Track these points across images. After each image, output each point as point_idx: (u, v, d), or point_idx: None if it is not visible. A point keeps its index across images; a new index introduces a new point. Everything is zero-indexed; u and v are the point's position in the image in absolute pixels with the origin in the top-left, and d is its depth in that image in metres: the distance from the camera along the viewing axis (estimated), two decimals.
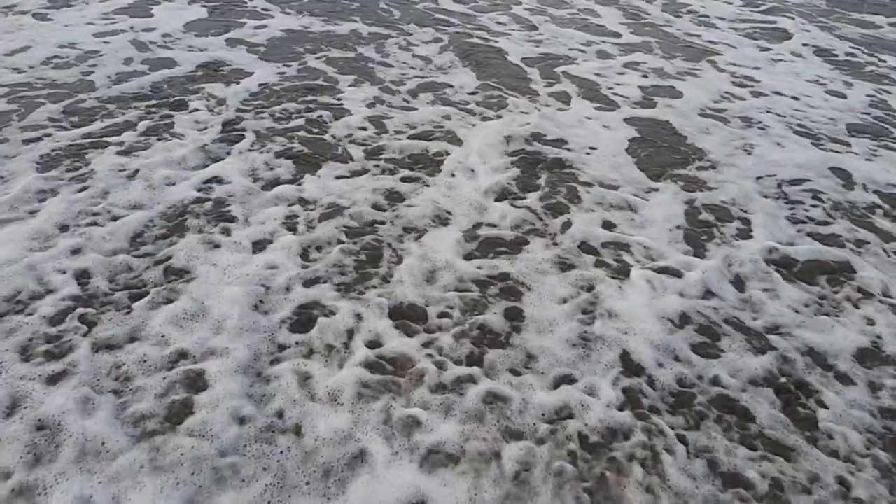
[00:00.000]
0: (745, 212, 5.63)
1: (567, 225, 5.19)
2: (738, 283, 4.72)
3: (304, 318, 4.01)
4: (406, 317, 4.12)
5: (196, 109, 6.44)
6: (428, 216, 5.16)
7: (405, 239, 4.85)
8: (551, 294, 4.40)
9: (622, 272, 4.68)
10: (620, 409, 3.62)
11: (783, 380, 3.94)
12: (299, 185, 5.37)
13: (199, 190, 5.11)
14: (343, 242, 4.73)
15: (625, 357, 3.95)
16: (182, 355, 3.66)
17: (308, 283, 4.29)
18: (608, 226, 5.23)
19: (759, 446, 3.52)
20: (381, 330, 3.97)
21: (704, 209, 5.62)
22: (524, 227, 5.10)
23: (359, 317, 4.04)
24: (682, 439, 3.50)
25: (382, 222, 5.03)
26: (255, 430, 3.31)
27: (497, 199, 5.44)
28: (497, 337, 4.02)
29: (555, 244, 4.93)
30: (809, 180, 6.28)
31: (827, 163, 6.66)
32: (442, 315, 4.14)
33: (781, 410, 3.74)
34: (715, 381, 3.87)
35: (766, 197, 5.91)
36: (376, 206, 5.22)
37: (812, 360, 4.11)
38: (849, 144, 7.20)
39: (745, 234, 5.31)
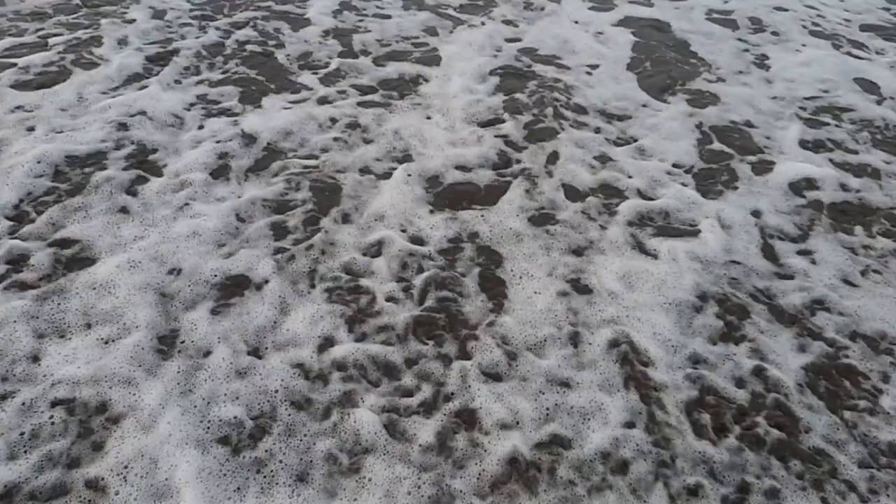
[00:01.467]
0: (766, 139, 4.52)
1: (553, 160, 4.10)
2: (762, 239, 3.64)
3: (222, 302, 2.99)
4: (349, 300, 3.10)
5: (131, 20, 5.23)
6: (391, 155, 4.06)
7: (360, 186, 3.77)
8: (530, 263, 3.35)
9: (618, 230, 3.61)
10: (627, 425, 2.66)
11: (830, 373, 2.97)
12: (239, 117, 4.25)
13: (118, 128, 3.99)
14: (284, 193, 3.66)
15: (626, 352, 2.94)
16: (63, 384, 2.64)
17: (232, 253, 3.24)
18: (603, 163, 4.13)
19: (817, 477, 2.58)
20: (316, 322, 2.96)
21: (717, 136, 4.51)
22: (504, 169, 4.01)
23: (285, 304, 3.02)
24: (713, 474, 2.54)
25: (335, 164, 3.93)
26: None
27: (474, 131, 4.32)
28: (464, 328, 3.01)
29: (538, 190, 3.84)
30: (833, 95, 5.15)
31: (850, 74, 5.50)
32: (392, 298, 3.12)
33: (836, 420, 2.78)
34: (742, 382, 2.88)
35: (785, 118, 4.79)
36: (329, 143, 4.11)
37: (866, 344, 3.11)
38: (871, 49, 6.01)
39: (765, 167, 4.22)
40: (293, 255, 3.27)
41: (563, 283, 3.24)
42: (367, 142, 4.15)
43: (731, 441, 2.64)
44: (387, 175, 3.87)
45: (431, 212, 3.62)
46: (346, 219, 3.53)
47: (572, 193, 3.85)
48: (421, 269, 3.26)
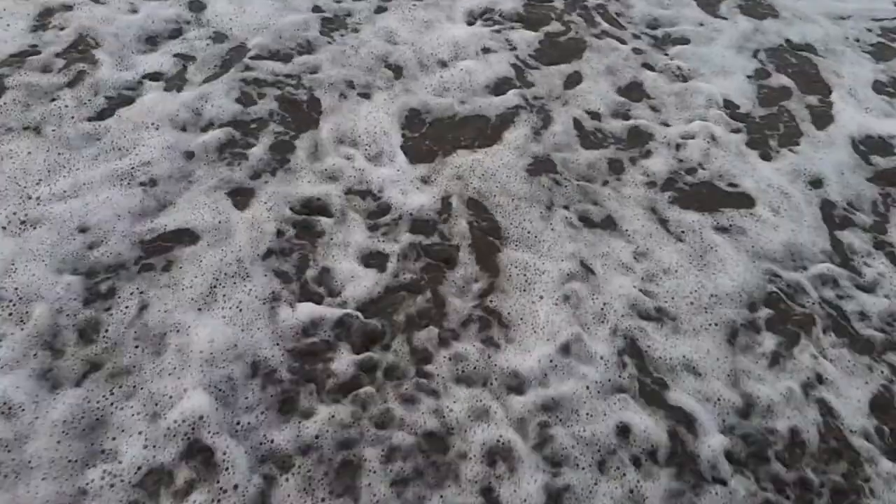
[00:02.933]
0: (831, 73, 3.64)
1: (573, 84, 3.31)
2: (826, 220, 2.87)
3: (146, 270, 2.33)
4: (310, 264, 2.44)
5: None
6: (381, 62, 3.27)
7: (341, 105, 3.02)
8: (528, 236, 2.63)
9: (641, 196, 2.86)
10: (644, 468, 2.07)
11: None
12: (201, 5, 3.41)
13: (42, 28, 3.16)
14: (249, 110, 2.92)
15: (647, 370, 2.31)
16: None
17: (169, 204, 2.55)
18: (635, 97, 3.32)
19: None
20: (264, 297, 2.31)
21: (774, 65, 3.65)
22: (512, 95, 3.20)
23: (229, 272, 2.35)
24: None
25: (313, 69, 3.16)
26: None
27: (483, 41, 3.47)
28: (441, 317, 2.36)
29: (549, 130, 3.06)
30: None
31: None
32: (361, 264, 2.45)
33: None
34: (797, 418, 2.26)
35: (855, 45, 3.90)
36: (311, 43, 3.31)
37: None
38: None
39: (829, 115, 3.39)
40: (249, 202, 2.58)
41: (567, 267, 2.53)
42: (355, 47, 3.33)
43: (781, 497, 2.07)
44: (371, 92, 3.10)
45: (415, 153, 2.86)
46: (315, 151, 2.80)
47: (589, 138, 3.07)
48: (397, 229, 2.57)
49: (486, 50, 3.41)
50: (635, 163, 2.98)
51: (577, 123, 3.11)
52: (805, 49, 3.81)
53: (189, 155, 2.70)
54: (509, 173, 2.82)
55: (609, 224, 2.72)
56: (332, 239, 2.50)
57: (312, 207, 2.60)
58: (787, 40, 3.84)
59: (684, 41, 3.70)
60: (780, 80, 3.56)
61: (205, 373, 2.07)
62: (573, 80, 3.34)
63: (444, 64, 3.29)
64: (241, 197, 2.60)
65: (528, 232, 2.62)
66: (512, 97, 3.18)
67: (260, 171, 2.69)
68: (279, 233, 2.49)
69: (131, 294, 2.24)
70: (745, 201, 2.88)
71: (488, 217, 2.67)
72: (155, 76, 2.98)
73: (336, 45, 3.32)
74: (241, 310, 2.25)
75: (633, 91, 3.34)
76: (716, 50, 3.64)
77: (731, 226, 2.76)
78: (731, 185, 2.95)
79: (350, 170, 2.74)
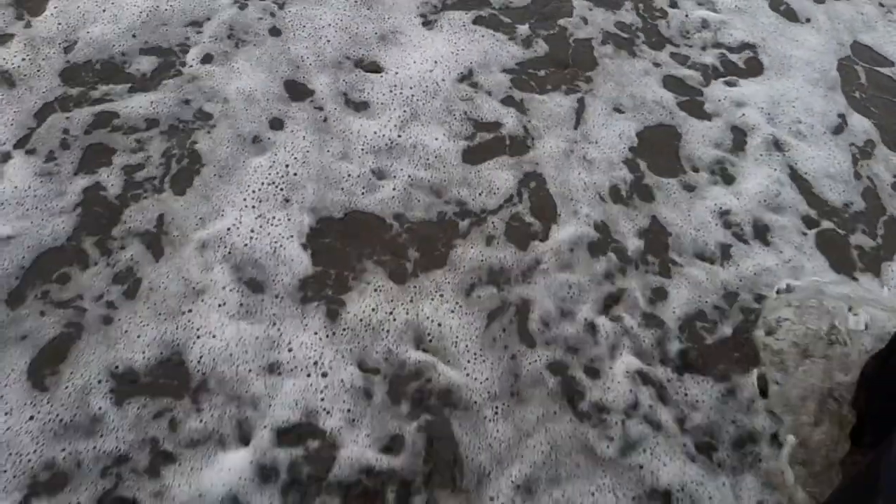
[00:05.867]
0: None
1: (573, 131, 2.24)
2: None
3: None
4: None
5: None
6: (295, 100, 2.18)
7: (234, 155, 1.98)
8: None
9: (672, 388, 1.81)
10: None
11: None
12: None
13: None
14: (73, 181, 1.91)
15: None
16: None
17: None
18: (663, 168, 2.20)
19: None
20: None
21: (852, 100, 2.51)
22: (482, 157, 2.14)
23: None
24: None
25: (195, 111, 2.08)
26: None
27: (455, 57, 2.35)
28: None
29: (523, 246, 1.99)
30: None
31: None
32: None
33: None
34: None
35: None
36: (213, 44, 2.25)
37: None
38: None
39: None
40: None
41: None
42: (275, 49, 2.23)
43: None
44: (272, 142, 2.04)
45: (313, 287, 1.82)
46: (166, 288, 1.78)
47: (582, 261, 1.98)
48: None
49: (462, 77, 2.28)
50: (653, 303, 1.93)
51: (571, 237, 2.02)
52: (884, 64, 2.67)
53: None
54: (456, 337, 1.79)
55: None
56: (164, 486, 1.54)
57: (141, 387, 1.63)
58: (859, 44, 2.70)
59: (745, 68, 2.53)
60: (862, 125, 2.44)
61: None
62: (580, 116, 2.24)
63: (389, 121, 2.16)
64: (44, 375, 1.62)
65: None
66: (486, 172, 2.08)
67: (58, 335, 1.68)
68: (77, 463, 1.54)
69: None
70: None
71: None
72: None
73: (244, 52, 2.21)
74: None
75: (662, 151, 2.24)
76: (792, 85, 2.48)
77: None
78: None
79: (204, 331, 1.72)
